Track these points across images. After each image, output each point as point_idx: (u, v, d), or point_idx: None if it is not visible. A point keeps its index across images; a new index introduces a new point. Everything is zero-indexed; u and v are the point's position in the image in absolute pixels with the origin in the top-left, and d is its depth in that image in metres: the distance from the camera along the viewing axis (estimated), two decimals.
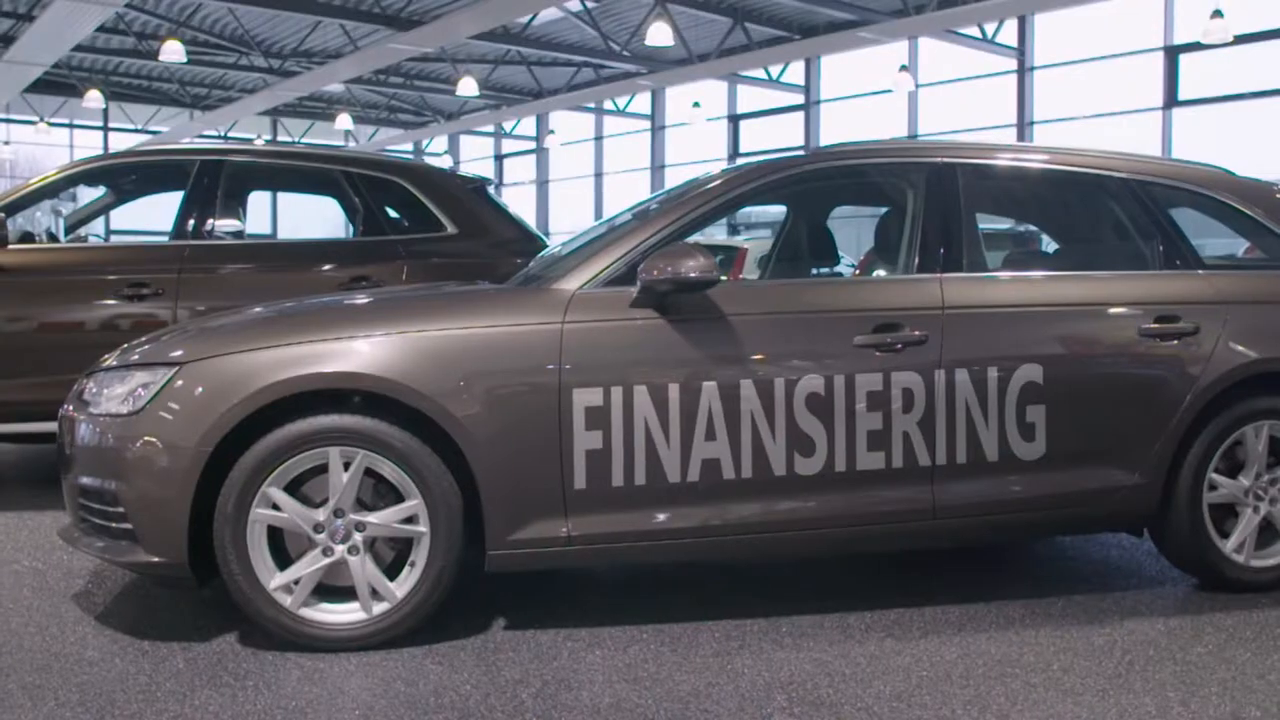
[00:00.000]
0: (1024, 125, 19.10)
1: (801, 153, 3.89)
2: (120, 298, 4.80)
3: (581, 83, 22.36)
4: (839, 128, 21.84)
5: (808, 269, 4.26)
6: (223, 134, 27.36)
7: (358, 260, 5.11)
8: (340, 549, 2.91)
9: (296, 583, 2.89)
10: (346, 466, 2.89)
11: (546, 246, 5.50)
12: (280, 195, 5.46)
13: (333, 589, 2.95)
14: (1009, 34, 18.85)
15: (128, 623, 3.14)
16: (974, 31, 18.13)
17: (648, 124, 24.99)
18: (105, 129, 26.56)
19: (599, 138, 26.39)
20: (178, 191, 5.91)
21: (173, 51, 15.53)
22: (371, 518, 2.92)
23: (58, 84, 21.97)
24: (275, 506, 2.87)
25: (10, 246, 4.78)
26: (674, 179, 24.16)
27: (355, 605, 2.93)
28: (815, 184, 3.77)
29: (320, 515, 2.90)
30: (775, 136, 22.72)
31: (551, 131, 26.38)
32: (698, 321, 3.09)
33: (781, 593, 3.50)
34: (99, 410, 3.00)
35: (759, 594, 3.46)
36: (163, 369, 2.91)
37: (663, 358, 3.05)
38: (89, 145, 26.79)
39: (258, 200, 6.06)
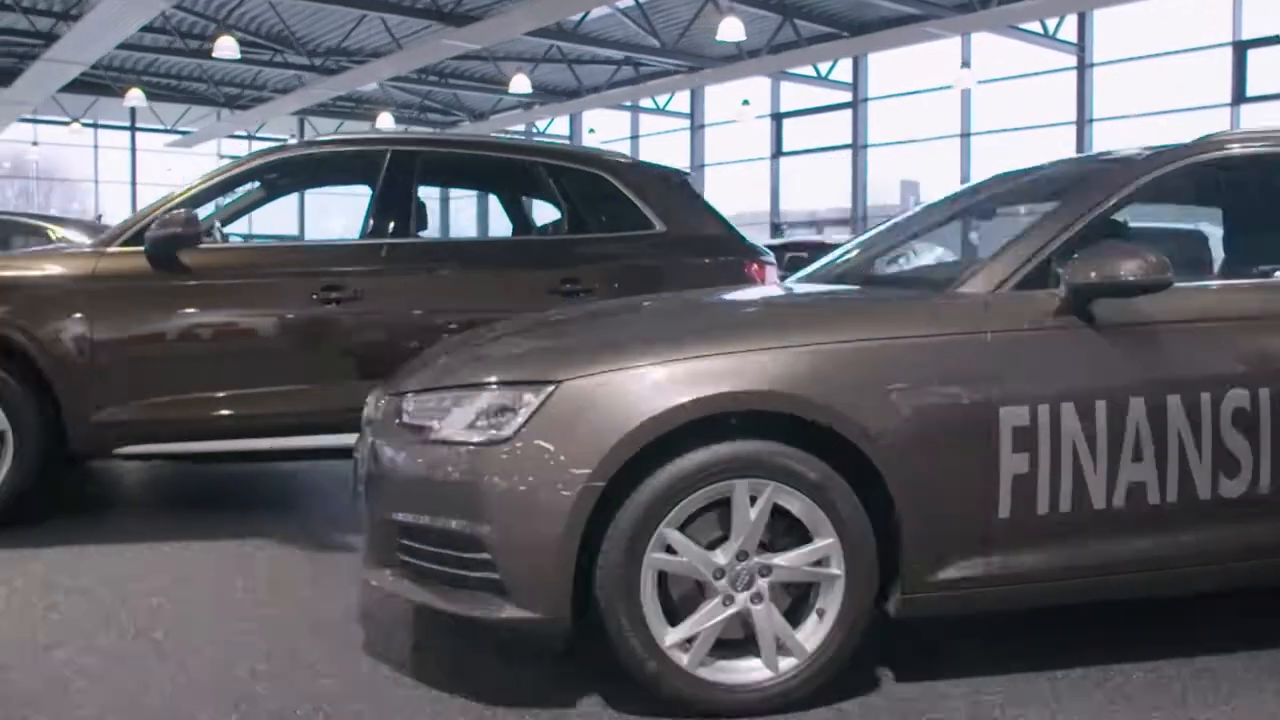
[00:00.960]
0: (1083, 123, 18.75)
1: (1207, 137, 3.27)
2: (314, 302, 4.36)
3: (622, 80, 21.97)
4: (887, 126, 21.49)
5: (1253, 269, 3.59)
6: (251, 134, 26.88)
7: (567, 261, 4.68)
8: (742, 597, 2.48)
9: (692, 639, 2.46)
10: (752, 501, 2.47)
11: (749, 244, 5.10)
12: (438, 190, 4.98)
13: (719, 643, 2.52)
14: (1068, 30, 18.48)
15: (467, 685, 2.70)
16: (1035, 27, 17.77)
17: (686, 122, 24.58)
18: (133, 129, 26.06)
19: (635, 136, 25.98)
20: (350, 184, 5.53)
21: (225, 48, 15.08)
22: (778, 560, 2.49)
23: (86, 83, 21.47)
24: (669, 549, 2.45)
25: (200, 246, 4.35)
26: (713, 179, 23.77)
27: (756, 662, 2.50)
28: (1244, 171, 3.29)
29: (721, 559, 2.47)
30: (820, 135, 22.34)
31: (591, 130, 25.95)
32: (1129, 330, 2.68)
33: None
34: (440, 436, 2.55)
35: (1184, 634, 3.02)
36: (536, 388, 2.47)
37: (1090, 370, 2.65)
38: (116, 145, 26.31)
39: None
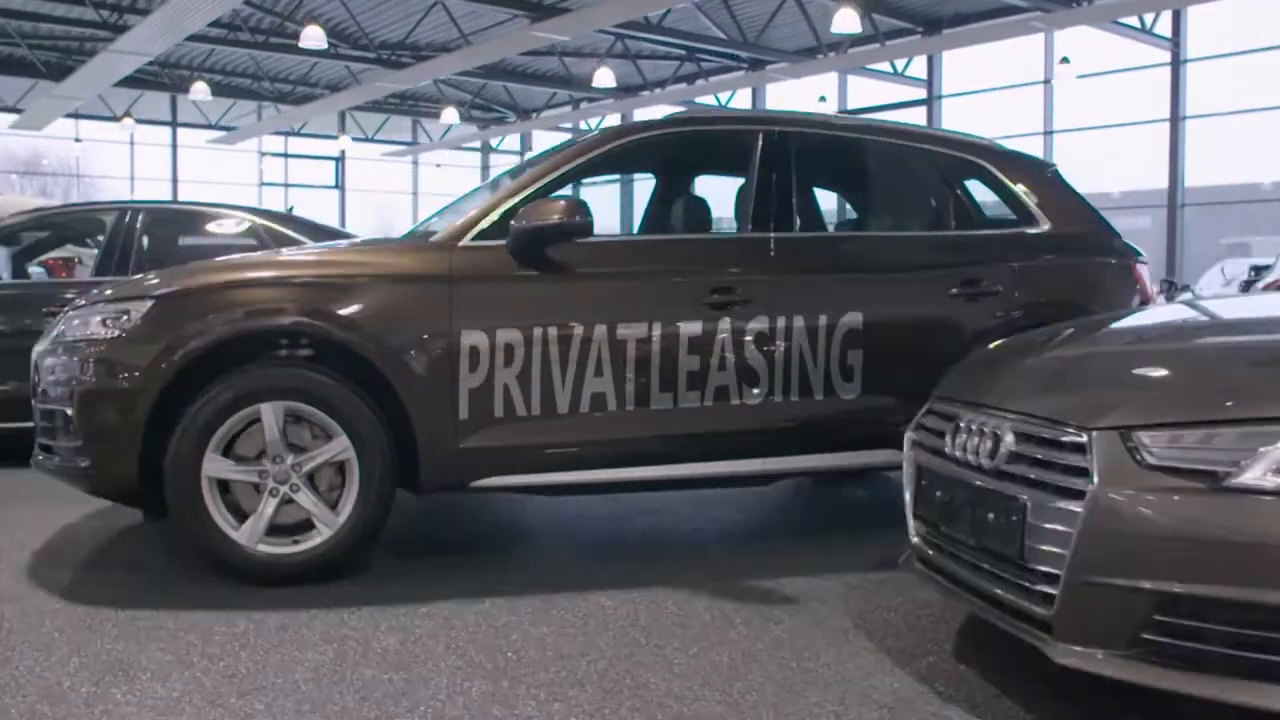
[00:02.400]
0: (1177, 120, 18.31)
1: None
2: (705, 307, 3.78)
3: (686, 75, 21.42)
4: (956, 124, 20.99)
5: None
6: (293, 130, 26.22)
7: (966, 260, 4.14)
8: None
9: None
10: None
11: (1128, 244, 4.57)
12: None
13: None
14: (1162, 25, 18.05)
15: None
16: (1131, 21, 17.34)
17: None
18: (174, 124, 25.36)
19: None
20: (700, 170, 4.97)
21: (312, 38, 14.47)
22: None
23: (131, 78, 20.76)
24: None
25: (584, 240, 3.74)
26: None
27: None
28: None
29: None
30: None
31: None
32: None
33: None
34: (1244, 484, 1.98)
35: None
36: None
37: None
38: (152, 141, 25.61)
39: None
